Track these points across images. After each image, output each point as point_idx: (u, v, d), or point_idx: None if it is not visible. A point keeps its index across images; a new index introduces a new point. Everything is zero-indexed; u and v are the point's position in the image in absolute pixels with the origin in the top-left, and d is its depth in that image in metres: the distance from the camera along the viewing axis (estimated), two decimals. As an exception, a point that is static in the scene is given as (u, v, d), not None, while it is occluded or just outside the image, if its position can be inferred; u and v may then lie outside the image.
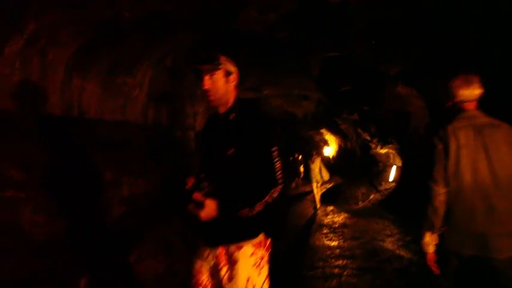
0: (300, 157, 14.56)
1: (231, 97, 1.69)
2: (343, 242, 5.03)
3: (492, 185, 1.87)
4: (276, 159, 1.55)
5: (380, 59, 5.19)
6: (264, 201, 1.51)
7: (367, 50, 5.19)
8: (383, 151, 7.40)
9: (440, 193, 1.94)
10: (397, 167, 7.09)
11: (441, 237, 1.96)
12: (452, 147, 1.92)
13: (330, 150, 15.84)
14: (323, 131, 14.30)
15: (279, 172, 1.55)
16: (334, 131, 13.11)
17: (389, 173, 7.36)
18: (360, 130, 7.74)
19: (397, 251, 4.36)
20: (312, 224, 6.30)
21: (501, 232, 1.84)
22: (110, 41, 4.80)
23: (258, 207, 1.51)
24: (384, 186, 7.40)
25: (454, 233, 1.93)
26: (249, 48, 7.65)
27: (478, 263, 1.91)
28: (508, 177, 1.87)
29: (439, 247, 1.97)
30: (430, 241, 1.97)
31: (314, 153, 9.05)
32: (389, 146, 6.79)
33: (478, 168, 1.89)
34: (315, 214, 7.25)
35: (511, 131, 1.92)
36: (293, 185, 13.25)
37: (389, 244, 4.69)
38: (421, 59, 4.79)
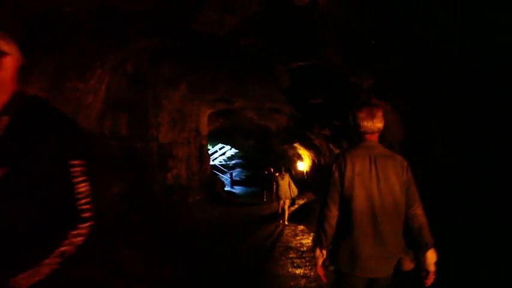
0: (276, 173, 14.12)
1: (4, 93, 1.07)
2: (310, 270, 4.49)
3: (381, 211, 2.03)
4: (78, 181, 1.03)
5: (352, 69, 4.87)
6: (58, 252, 0.96)
7: (339, 59, 4.87)
8: None
9: (331, 216, 2.11)
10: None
11: (335, 258, 2.15)
12: (348, 174, 2.06)
13: (303, 165, 15.54)
14: (296, 145, 13.98)
15: (85, 200, 1.03)
16: (308, 146, 12.81)
17: None
18: (331, 146, 7.38)
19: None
20: (277, 247, 5.81)
21: (385, 255, 2.05)
22: (51, 41, 4.24)
23: (46, 267, 0.95)
24: None
25: (346, 255, 2.09)
26: (215, 54, 7.25)
27: (365, 281, 2.13)
28: (393, 204, 2.06)
29: (334, 267, 2.19)
30: (319, 255, 2.17)
31: (283, 168, 8.62)
32: None
33: (370, 196, 2.04)
34: (281, 234, 6.80)
35: (400, 163, 2.12)
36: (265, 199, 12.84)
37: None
38: (397, 71, 4.50)
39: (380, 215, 2.03)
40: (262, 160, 18.12)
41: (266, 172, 14.56)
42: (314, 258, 2.21)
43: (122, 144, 6.62)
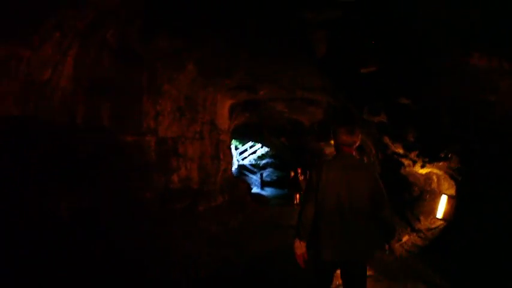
0: (304, 174, 12.26)
1: None
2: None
3: (349, 210, 2.55)
4: None
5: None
6: None
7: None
8: (423, 171, 5.02)
9: (308, 213, 2.63)
10: (449, 197, 4.72)
11: (313, 248, 2.64)
12: (323, 180, 2.60)
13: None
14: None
15: None
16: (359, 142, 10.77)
17: (437, 204, 4.98)
18: (387, 139, 5.35)
19: None
20: None
21: (351, 243, 2.54)
22: None
23: None
24: (425, 225, 5.01)
25: (320, 245, 2.58)
26: (228, 22, 5.50)
27: (338, 266, 2.66)
28: (360, 207, 2.55)
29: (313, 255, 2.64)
30: (298, 245, 2.65)
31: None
32: (438, 163, 4.41)
33: (340, 198, 2.57)
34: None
35: (370, 174, 2.66)
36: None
37: None
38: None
39: (347, 214, 2.55)
40: (295, 159, 16.19)
41: (293, 173, 12.80)
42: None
43: (102, 138, 5.05)
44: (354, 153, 2.70)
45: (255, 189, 17.96)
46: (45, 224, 3.57)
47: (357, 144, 2.72)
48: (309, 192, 2.64)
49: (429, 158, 4.42)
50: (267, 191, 18.12)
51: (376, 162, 8.61)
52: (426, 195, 5.49)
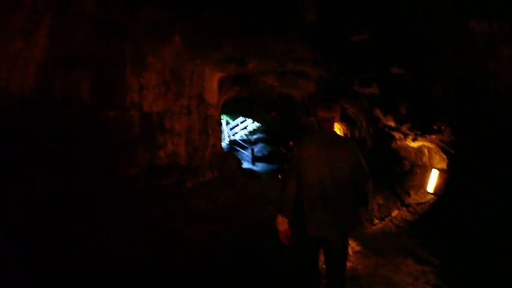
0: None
1: None
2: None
3: (330, 185, 2.56)
4: None
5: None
6: None
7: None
8: (415, 144, 4.91)
9: (290, 188, 2.64)
10: (440, 172, 4.63)
11: (296, 224, 2.65)
12: (304, 155, 2.62)
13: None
14: (325, 116, 11.79)
15: None
16: (339, 117, 10.63)
17: (428, 178, 4.91)
18: (378, 112, 5.19)
19: None
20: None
21: (331, 220, 2.55)
22: None
23: None
24: (416, 199, 4.95)
25: (304, 220, 2.59)
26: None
27: (318, 243, 2.66)
28: (341, 180, 2.56)
29: (297, 233, 2.66)
30: (281, 221, 2.64)
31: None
32: (431, 136, 4.28)
33: (321, 172, 2.57)
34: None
35: (350, 147, 2.66)
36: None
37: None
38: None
39: (328, 188, 2.56)
40: (287, 134, 16.06)
41: (284, 150, 12.66)
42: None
43: (82, 113, 4.82)
44: (334, 128, 2.78)
45: (246, 165, 17.89)
46: (21, 203, 3.41)
47: (336, 119, 2.78)
48: (291, 168, 2.69)
49: (421, 131, 4.29)
50: (258, 166, 18.07)
51: (367, 137, 8.51)
52: (417, 170, 5.42)
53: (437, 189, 4.59)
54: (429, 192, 4.76)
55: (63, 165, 4.20)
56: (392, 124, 4.88)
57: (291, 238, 2.66)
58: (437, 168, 4.70)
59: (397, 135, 5.01)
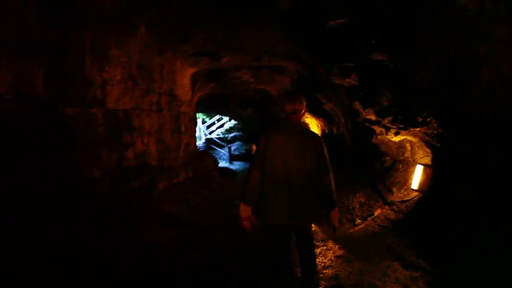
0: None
1: None
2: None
3: (294, 175, 2.65)
4: None
5: None
6: None
7: None
8: (397, 138, 4.66)
9: (255, 177, 2.71)
10: (425, 167, 4.39)
11: (260, 213, 2.73)
12: (271, 145, 2.71)
13: (310, 136, 13.15)
14: (302, 112, 11.56)
15: None
16: (316, 113, 10.41)
17: (411, 174, 4.67)
18: (357, 104, 4.89)
19: None
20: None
21: (295, 208, 2.65)
22: None
23: None
24: (399, 197, 4.70)
25: (267, 209, 2.69)
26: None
27: (286, 230, 2.75)
28: (305, 171, 2.66)
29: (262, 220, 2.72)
30: (243, 210, 2.72)
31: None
32: (414, 129, 4.01)
33: (287, 162, 2.67)
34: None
35: (315, 139, 2.78)
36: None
37: None
38: None
39: (293, 178, 2.65)
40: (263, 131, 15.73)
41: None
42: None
43: (35, 110, 4.33)
44: (301, 120, 2.87)
45: (224, 164, 17.52)
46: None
47: (303, 112, 2.85)
48: (257, 158, 2.76)
49: (405, 124, 4.03)
50: (236, 165, 17.71)
51: (346, 133, 8.31)
52: (399, 165, 5.20)
53: (422, 185, 4.38)
54: (413, 189, 4.54)
55: (12, 170, 3.72)
56: (372, 117, 4.62)
57: (255, 225, 2.78)
58: (422, 164, 4.49)
59: (377, 129, 4.77)
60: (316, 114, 10.63)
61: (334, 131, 9.68)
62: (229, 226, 4.82)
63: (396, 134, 4.37)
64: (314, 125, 11.96)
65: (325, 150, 2.73)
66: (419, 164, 4.50)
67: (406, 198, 4.49)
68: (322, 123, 10.88)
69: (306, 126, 2.99)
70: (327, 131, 10.62)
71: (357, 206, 5.09)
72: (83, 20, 4.85)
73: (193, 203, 6.75)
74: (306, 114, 12.28)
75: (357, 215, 4.91)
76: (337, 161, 8.06)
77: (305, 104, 2.85)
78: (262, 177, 2.71)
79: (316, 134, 2.85)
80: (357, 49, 4.04)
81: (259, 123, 16.71)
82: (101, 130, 5.31)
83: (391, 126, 4.33)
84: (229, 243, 4.36)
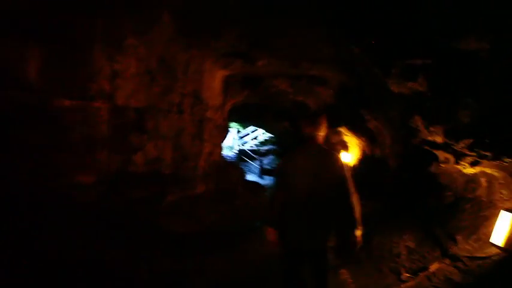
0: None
1: None
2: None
3: (312, 198, 2.61)
4: None
5: None
6: None
7: None
8: (471, 170, 3.47)
9: (278, 197, 2.75)
10: (513, 214, 3.15)
11: (280, 236, 2.72)
12: (292, 167, 2.72)
13: (349, 156, 11.86)
14: (342, 129, 10.44)
15: None
16: (358, 131, 9.24)
17: (488, 221, 3.42)
18: (418, 121, 3.67)
19: None
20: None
21: (312, 234, 2.64)
22: None
23: None
24: (466, 249, 3.44)
25: (288, 234, 2.66)
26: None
27: (303, 255, 2.72)
28: (325, 194, 2.63)
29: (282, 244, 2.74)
30: (269, 233, 2.73)
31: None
32: (505, 160, 2.83)
33: (307, 186, 2.62)
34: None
35: (337, 162, 2.71)
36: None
37: None
38: None
39: (313, 201, 2.60)
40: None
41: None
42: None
43: (26, 99, 3.70)
44: (322, 141, 2.78)
45: (253, 177, 16.66)
46: None
47: (323, 135, 2.78)
48: (278, 180, 2.84)
49: (494, 152, 2.84)
50: (266, 180, 16.75)
51: (390, 156, 7.11)
52: (466, 205, 3.93)
53: (509, 242, 3.14)
54: (493, 244, 3.31)
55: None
56: (438, 139, 3.45)
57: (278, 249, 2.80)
58: (508, 210, 3.24)
59: (442, 155, 3.61)
60: (357, 132, 9.47)
61: (377, 153, 8.47)
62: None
63: (473, 164, 3.18)
64: (354, 145, 10.76)
65: (346, 173, 2.66)
66: (504, 210, 3.26)
67: (479, 255, 3.26)
68: (363, 143, 9.67)
69: (326, 147, 2.80)
70: (367, 152, 9.41)
71: (404, 252, 3.94)
72: (94, 4, 4.21)
73: (207, 221, 5.84)
74: (346, 132, 11.10)
75: (403, 266, 3.75)
76: (375, 189, 6.82)
77: (326, 126, 2.80)
78: (284, 199, 2.73)
79: (337, 155, 2.79)
80: (434, 34, 2.84)
81: (294, 138, 15.71)
82: (103, 128, 4.57)
83: (467, 152, 3.13)
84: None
